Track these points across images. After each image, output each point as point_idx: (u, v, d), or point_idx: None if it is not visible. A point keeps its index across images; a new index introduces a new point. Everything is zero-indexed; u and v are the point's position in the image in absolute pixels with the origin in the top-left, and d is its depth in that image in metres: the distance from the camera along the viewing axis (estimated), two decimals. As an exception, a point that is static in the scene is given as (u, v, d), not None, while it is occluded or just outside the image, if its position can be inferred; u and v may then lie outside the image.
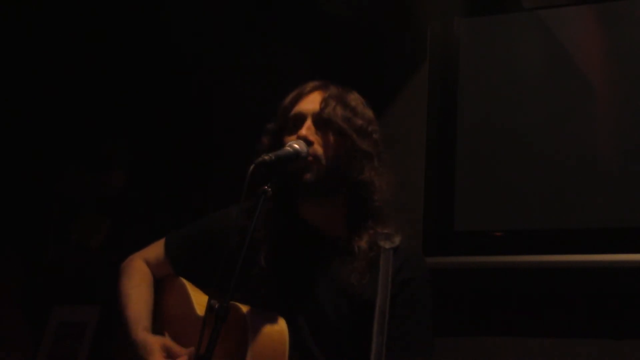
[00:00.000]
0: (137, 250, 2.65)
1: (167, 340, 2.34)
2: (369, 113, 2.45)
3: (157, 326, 2.48)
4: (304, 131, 2.32)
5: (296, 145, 2.27)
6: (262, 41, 3.88)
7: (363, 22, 3.67)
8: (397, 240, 2.35)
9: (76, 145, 4.18)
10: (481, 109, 3.47)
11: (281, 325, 2.24)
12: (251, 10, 3.91)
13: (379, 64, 3.66)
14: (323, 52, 3.72)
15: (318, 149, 2.32)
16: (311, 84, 2.45)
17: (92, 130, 4.17)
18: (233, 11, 3.93)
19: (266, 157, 2.17)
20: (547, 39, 3.41)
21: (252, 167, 2.12)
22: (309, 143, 2.30)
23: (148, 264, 2.59)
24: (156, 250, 2.60)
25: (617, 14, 3.34)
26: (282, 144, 2.33)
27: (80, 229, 4.10)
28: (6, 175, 4.11)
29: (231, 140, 3.85)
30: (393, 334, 2.22)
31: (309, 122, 2.35)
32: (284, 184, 2.31)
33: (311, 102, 2.38)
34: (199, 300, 2.44)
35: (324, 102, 2.35)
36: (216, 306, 1.99)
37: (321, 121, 2.34)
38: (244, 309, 2.24)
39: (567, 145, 3.29)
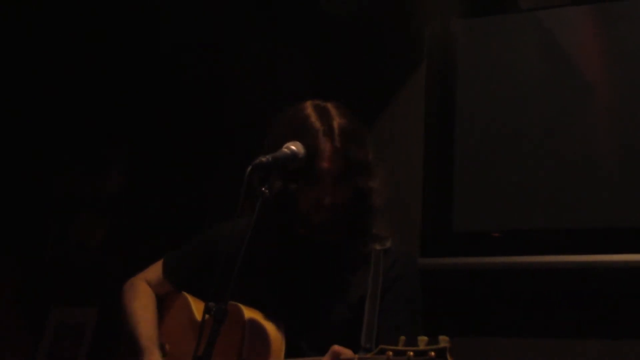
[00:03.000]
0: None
1: None
2: (366, 132, 2.41)
3: (160, 336, 2.51)
4: (329, 200, 2.29)
5: (293, 147, 2.26)
6: (262, 42, 3.87)
7: (361, 22, 3.66)
8: (388, 243, 2.39)
9: (75, 145, 4.17)
10: (479, 110, 3.46)
11: (278, 326, 2.26)
12: (251, 11, 3.90)
13: (376, 64, 3.65)
14: (322, 52, 3.71)
15: (339, 203, 2.32)
16: (322, 134, 2.32)
17: (91, 131, 4.16)
18: (233, 12, 3.92)
19: (263, 159, 2.17)
20: (545, 39, 3.40)
21: (249, 169, 2.12)
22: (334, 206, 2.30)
23: (150, 285, 2.61)
24: (155, 272, 2.61)
25: (615, 14, 3.33)
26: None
27: (79, 230, 4.10)
28: (5, 175, 4.09)
29: (230, 141, 3.85)
30: (384, 327, 2.24)
31: (331, 185, 2.30)
32: (285, 195, 2.30)
33: (332, 162, 2.29)
34: (200, 308, 2.39)
35: (345, 169, 2.30)
36: (214, 308, 2.00)
37: (342, 181, 2.32)
38: (245, 310, 2.26)
39: (565, 145, 3.29)
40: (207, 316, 2.01)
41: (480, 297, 3.30)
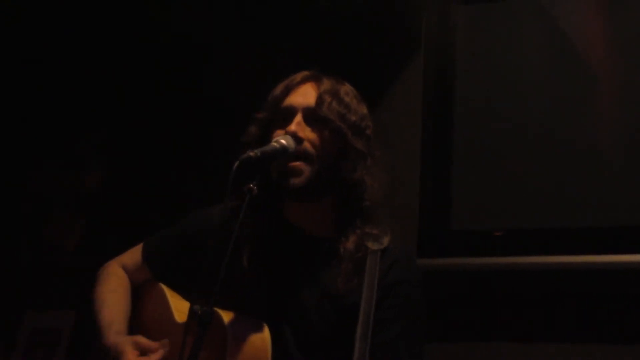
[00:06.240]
0: (113, 253, 2.61)
1: (139, 337, 2.28)
2: (363, 108, 2.40)
3: (135, 333, 2.40)
4: (293, 127, 2.27)
5: (283, 141, 2.23)
6: (252, 30, 3.85)
7: (357, 10, 3.62)
8: (385, 241, 2.31)
9: (51, 141, 4.13)
10: (479, 102, 3.41)
11: (263, 331, 2.19)
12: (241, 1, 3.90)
13: (371, 55, 3.61)
14: (317, 40, 3.69)
15: (309, 147, 2.27)
16: (303, 74, 2.39)
17: (67, 126, 4.12)
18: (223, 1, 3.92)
19: (251, 154, 2.12)
20: (548, 25, 3.35)
21: (236, 163, 2.07)
22: (298, 140, 2.25)
23: (125, 269, 2.55)
24: (134, 255, 2.56)
25: (619, -1, 3.33)
26: (270, 137, 2.28)
27: (54, 230, 4.06)
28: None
29: (213, 136, 3.80)
30: (378, 339, 2.18)
31: (299, 118, 2.30)
32: (268, 185, 2.28)
33: (303, 95, 2.33)
34: (178, 307, 2.40)
35: (319, 99, 2.30)
36: (199, 312, 1.96)
37: (314, 117, 2.30)
38: (224, 314, 2.19)
39: (569, 139, 3.23)
40: (191, 320, 1.97)
41: (481, 299, 3.25)
